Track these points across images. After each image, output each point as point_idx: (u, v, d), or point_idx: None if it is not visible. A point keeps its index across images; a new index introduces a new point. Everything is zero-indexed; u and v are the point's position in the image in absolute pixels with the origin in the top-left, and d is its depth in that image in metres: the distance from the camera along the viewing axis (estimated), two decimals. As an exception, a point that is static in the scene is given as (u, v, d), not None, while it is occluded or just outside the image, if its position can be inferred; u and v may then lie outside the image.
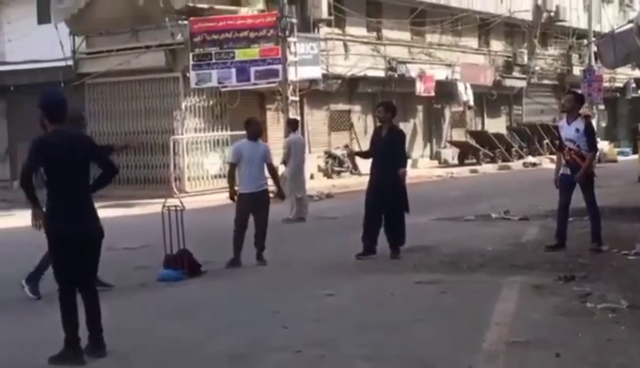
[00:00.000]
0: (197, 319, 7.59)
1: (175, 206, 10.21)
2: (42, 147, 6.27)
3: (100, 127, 24.21)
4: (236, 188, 10.62)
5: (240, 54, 22.14)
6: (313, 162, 25.45)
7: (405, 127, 30.85)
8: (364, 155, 11.83)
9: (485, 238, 12.09)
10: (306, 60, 23.96)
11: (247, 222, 10.72)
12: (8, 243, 14.23)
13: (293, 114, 22.30)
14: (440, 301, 8.01)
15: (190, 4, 22.18)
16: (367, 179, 11.22)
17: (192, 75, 22.23)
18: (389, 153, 10.70)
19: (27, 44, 24.86)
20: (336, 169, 26.97)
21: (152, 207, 15.94)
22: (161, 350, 6.62)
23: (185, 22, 22.33)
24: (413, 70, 29.26)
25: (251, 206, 10.58)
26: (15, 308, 8.52)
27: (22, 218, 18.94)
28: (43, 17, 25.00)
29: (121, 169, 23.09)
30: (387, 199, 10.65)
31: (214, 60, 22.16)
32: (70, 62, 24.21)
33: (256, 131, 10.97)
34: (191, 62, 22.16)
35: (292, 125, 16.66)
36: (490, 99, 35.21)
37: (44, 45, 24.06)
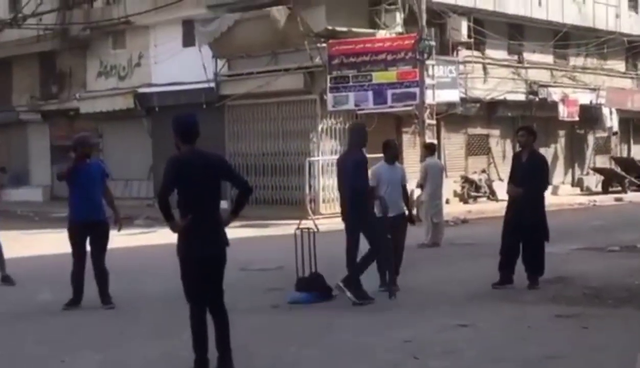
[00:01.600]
0: (325, 344, 7.46)
1: (308, 228, 10.16)
2: (178, 165, 6.35)
3: (239, 147, 24.68)
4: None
5: (378, 77, 22.05)
6: (449, 186, 24.97)
7: (547, 152, 29.89)
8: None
9: (631, 271, 11.45)
10: (444, 83, 23.64)
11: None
12: (149, 258, 14.64)
13: (430, 138, 22.01)
14: (583, 336, 7.56)
15: (329, 27, 22.31)
16: (504, 204, 10.83)
17: (329, 97, 22.33)
18: (528, 178, 10.31)
19: (172, 66, 25.72)
20: (473, 194, 26.41)
21: (287, 228, 15.99)
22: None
23: (324, 45, 22.47)
24: (555, 94, 28.36)
25: (390, 230, 10.37)
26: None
27: (162, 235, 19.68)
28: (188, 40, 25.79)
29: (257, 190, 24.11)
30: (526, 226, 10.24)
31: (351, 83, 22.18)
32: (212, 84, 24.81)
33: (394, 154, 10.81)
34: (328, 85, 22.27)
35: (430, 149, 16.37)
36: (638, 125, 33.68)
37: (188, 68, 24.83)
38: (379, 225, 9.75)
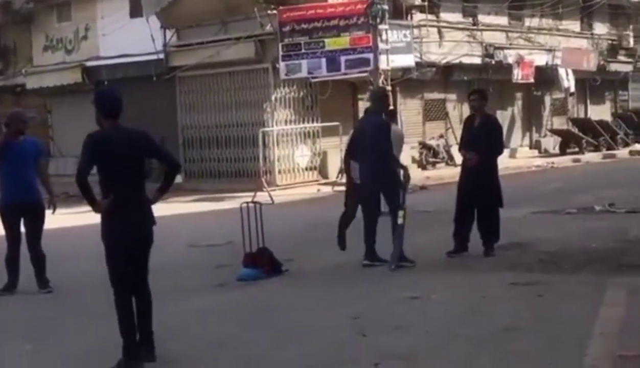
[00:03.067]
0: (269, 324, 7.10)
1: (255, 202, 9.77)
2: (100, 141, 6.04)
3: (192, 120, 24.11)
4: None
5: (330, 43, 21.55)
6: (407, 153, 24.58)
7: (503, 115, 29.72)
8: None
9: (588, 233, 11.22)
10: (399, 48, 23.20)
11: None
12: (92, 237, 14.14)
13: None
14: (538, 306, 7.28)
15: (279, -7, 21.79)
16: (463, 170, 10.52)
17: (281, 66, 21.80)
18: (481, 143, 10.00)
19: (120, 38, 24.95)
20: (431, 160, 26.11)
21: (242, 201, 15.60)
22: (223, 358, 6.14)
23: (274, 11, 21.92)
24: (511, 56, 28.06)
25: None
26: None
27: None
28: (135, 10, 25.03)
29: (212, 163, 23.58)
30: (480, 192, 9.95)
31: (303, 50, 21.66)
32: (161, 56, 24.14)
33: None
34: (280, 53, 21.73)
35: (391, 115, 15.85)
36: (594, 85, 33.57)
37: (136, 39, 24.07)
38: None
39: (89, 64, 26.18)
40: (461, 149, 10.40)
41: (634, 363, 5.42)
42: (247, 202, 9.77)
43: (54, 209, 9.32)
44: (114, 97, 6.27)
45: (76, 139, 29.28)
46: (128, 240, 5.95)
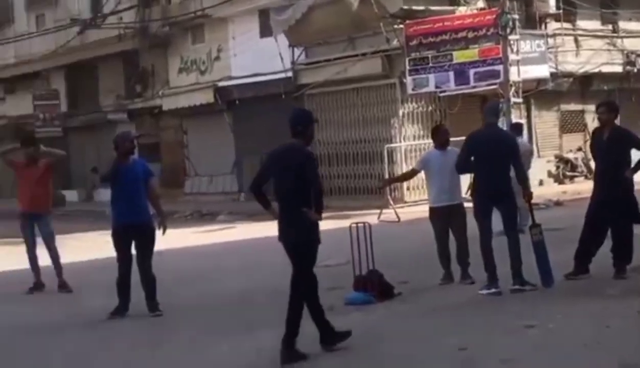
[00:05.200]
0: (369, 352, 6.73)
1: (364, 222, 9.41)
2: (272, 157, 7.04)
3: (319, 136, 23.96)
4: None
5: (459, 56, 20.99)
6: (542, 167, 23.72)
7: (647, 126, 28.16)
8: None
9: None
10: (532, 58, 22.35)
11: (445, 237, 9.75)
12: (221, 256, 14.19)
13: (517, 117, 20.83)
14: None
15: (405, 7, 21.41)
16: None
17: (408, 80, 21.42)
18: (612, 158, 9.29)
19: (250, 57, 25.33)
20: (568, 173, 24.98)
21: (368, 218, 15.32)
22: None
23: (401, 26, 21.59)
24: (655, 64, 26.54)
25: (445, 220, 9.61)
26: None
27: (241, 231, 19.34)
28: (265, 30, 25.30)
29: (338, 180, 23.43)
30: (612, 209, 9.22)
31: (430, 64, 21.19)
32: (290, 74, 24.27)
33: (444, 139, 9.96)
34: (407, 67, 21.37)
35: (517, 129, 15.20)
36: None
37: (266, 59, 24.36)
38: None
39: (221, 84, 26.65)
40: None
41: None
42: (357, 223, 9.43)
43: (164, 230, 9.29)
44: (297, 117, 7.11)
45: (209, 158, 30.25)
46: (283, 245, 6.85)
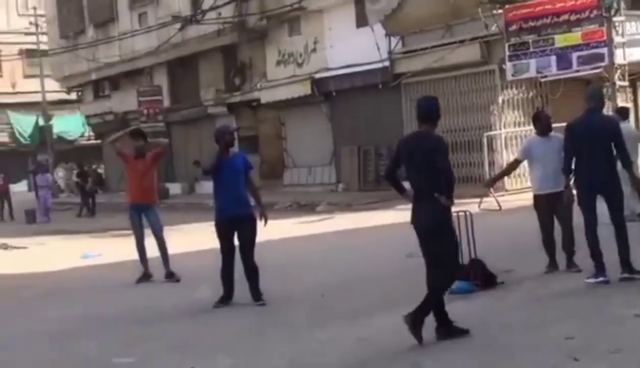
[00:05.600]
0: (467, 342, 6.65)
1: (465, 211, 9.31)
2: (401, 145, 7.20)
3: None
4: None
5: (560, 40, 20.43)
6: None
7: None
8: None
9: None
10: (638, 40, 21.58)
11: (550, 225, 9.55)
12: (319, 247, 14.29)
13: (623, 101, 20.18)
14: None
15: (504, -8, 21.01)
16: None
17: (508, 66, 21.01)
18: None
19: (346, 48, 25.34)
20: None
21: (469, 206, 15.21)
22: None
23: (500, 11, 21.19)
24: None
25: (550, 207, 9.40)
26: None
27: (339, 222, 19.41)
28: (361, 20, 25.26)
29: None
30: None
31: (531, 49, 20.71)
32: (386, 63, 24.17)
33: (546, 126, 9.73)
34: (507, 53, 20.95)
35: (622, 114, 14.75)
36: None
37: (362, 49, 24.33)
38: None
39: (318, 75, 26.77)
40: None
41: None
42: (458, 211, 9.31)
43: (266, 221, 9.41)
44: (430, 104, 7.20)
45: (307, 149, 30.49)
46: (416, 229, 7.00)
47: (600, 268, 8.58)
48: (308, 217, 20.88)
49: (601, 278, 8.52)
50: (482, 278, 8.92)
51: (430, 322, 6.84)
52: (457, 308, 8.10)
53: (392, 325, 7.59)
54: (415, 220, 6.97)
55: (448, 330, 6.80)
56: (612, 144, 8.69)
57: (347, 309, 8.58)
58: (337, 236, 16.54)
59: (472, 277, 8.90)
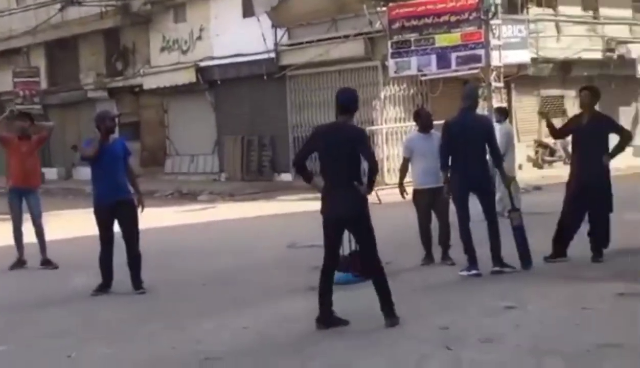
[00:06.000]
0: (350, 331, 6.82)
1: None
2: (316, 134, 7.24)
3: (301, 118, 24.12)
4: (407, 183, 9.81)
5: (441, 40, 21.04)
6: (522, 151, 23.86)
7: (626, 112, 28.38)
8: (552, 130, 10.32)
9: None
10: (513, 43, 22.41)
11: (429, 218, 9.93)
12: (200, 236, 14.25)
13: (498, 101, 20.98)
14: (643, 320, 6.73)
15: (389, -10, 21.44)
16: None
17: (390, 63, 21.48)
18: (591, 142, 9.43)
19: (233, 38, 25.25)
20: (547, 158, 25.22)
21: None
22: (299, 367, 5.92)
23: (384, 8, 21.62)
24: (635, 51, 26.72)
25: (429, 202, 9.73)
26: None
27: (221, 211, 19.39)
28: (247, 10, 25.21)
29: (317, 161, 23.40)
30: (590, 194, 9.37)
31: (413, 47, 21.23)
32: (272, 55, 24.24)
33: (427, 123, 10.06)
34: (390, 50, 21.40)
35: (502, 114, 15.25)
36: None
37: (248, 39, 24.29)
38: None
39: (203, 64, 26.57)
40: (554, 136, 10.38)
41: None
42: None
43: (142, 208, 9.33)
44: (349, 96, 7.20)
45: (190, 137, 30.17)
46: (330, 218, 6.96)
47: (473, 262, 8.96)
48: (190, 206, 20.73)
49: (474, 272, 8.90)
50: (362, 269, 9.11)
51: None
52: (336, 299, 8.27)
53: (274, 314, 7.73)
54: (329, 210, 6.95)
55: (329, 319, 6.94)
56: (485, 143, 9.06)
57: (230, 298, 8.63)
58: (219, 225, 16.52)
59: (352, 269, 9.10)
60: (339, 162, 6.87)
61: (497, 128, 14.11)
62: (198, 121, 27.41)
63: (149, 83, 28.27)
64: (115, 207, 9.03)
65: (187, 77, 26.84)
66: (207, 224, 16.71)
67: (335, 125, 7.12)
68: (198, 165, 27.81)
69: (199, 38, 27.24)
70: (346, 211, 6.88)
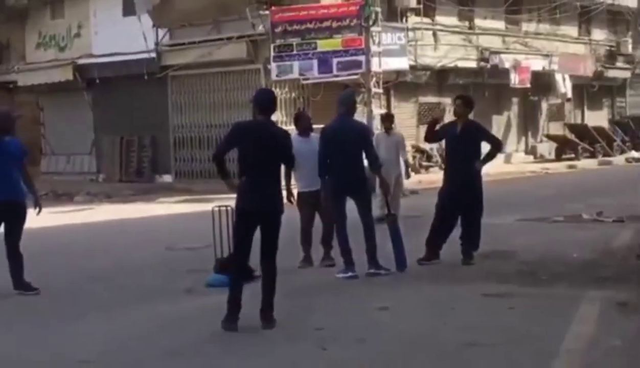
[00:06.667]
0: (226, 334, 6.85)
1: (226, 206, 9.52)
2: (240, 130, 7.26)
3: (183, 119, 23.96)
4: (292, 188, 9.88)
5: (322, 45, 21.36)
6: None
7: (499, 120, 29.59)
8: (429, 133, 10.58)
9: (572, 242, 11.02)
10: (392, 50, 23.02)
11: (312, 221, 10.05)
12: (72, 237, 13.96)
13: (377, 107, 21.49)
14: (507, 319, 7.07)
15: (271, -7, 21.59)
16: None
17: (273, 66, 21.62)
18: (464, 150, 9.80)
19: (112, 36, 24.83)
20: (424, 163, 25.93)
21: (231, 202, 15.47)
22: None
23: (267, 12, 21.75)
24: (507, 61, 27.90)
25: (312, 205, 9.87)
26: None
27: (98, 212, 19.02)
28: (128, 9, 24.82)
29: (202, 163, 23.39)
30: (462, 199, 9.75)
31: (295, 51, 21.47)
32: (153, 55, 23.96)
33: (307, 126, 10.23)
34: (272, 54, 21.55)
35: (389, 120, 15.27)
36: (591, 91, 33.42)
37: (128, 38, 23.91)
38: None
39: (81, 61, 26.03)
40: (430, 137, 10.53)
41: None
42: (219, 206, 9.54)
43: (40, 209, 9.12)
44: (270, 97, 7.45)
45: (67, 137, 29.40)
46: (249, 210, 6.99)
47: (349, 264, 9.16)
48: (66, 206, 20.23)
49: (350, 274, 9.10)
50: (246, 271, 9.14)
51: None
52: (215, 301, 8.32)
53: (148, 316, 7.68)
54: (249, 202, 6.97)
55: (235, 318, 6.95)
56: (361, 149, 9.26)
57: (102, 300, 8.52)
58: (97, 227, 16.22)
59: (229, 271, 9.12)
60: (265, 158, 6.98)
61: (384, 137, 14.26)
62: (75, 120, 26.79)
63: (24, 80, 27.47)
64: (7, 208, 8.82)
65: (64, 74, 26.23)
66: (83, 225, 16.40)
67: (260, 124, 7.13)
68: (75, 165, 27.21)
69: (77, 35, 26.69)
70: (267, 205, 6.98)
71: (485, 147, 10.09)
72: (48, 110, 28.12)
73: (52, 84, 26.50)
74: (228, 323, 6.89)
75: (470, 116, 10.34)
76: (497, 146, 10.17)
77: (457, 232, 9.93)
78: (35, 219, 9.19)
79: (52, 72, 26.54)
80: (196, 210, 18.24)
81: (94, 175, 26.38)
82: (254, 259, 8.79)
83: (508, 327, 6.80)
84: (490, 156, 10.08)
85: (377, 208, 11.34)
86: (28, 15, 27.85)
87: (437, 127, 10.47)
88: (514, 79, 28.00)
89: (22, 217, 8.97)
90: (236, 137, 7.12)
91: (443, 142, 10.91)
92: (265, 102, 7.19)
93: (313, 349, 6.25)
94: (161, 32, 24.10)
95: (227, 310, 6.93)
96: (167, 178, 24.21)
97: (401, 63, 23.57)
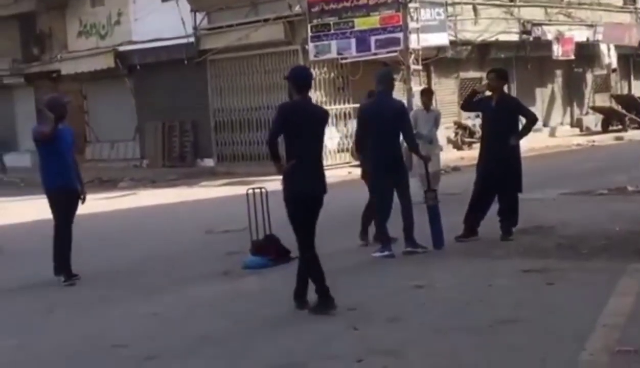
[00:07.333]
0: (259, 316, 6.85)
1: (260, 188, 9.52)
2: (288, 112, 6.94)
3: (222, 103, 23.99)
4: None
5: (360, 23, 21.16)
6: (441, 133, 24.11)
7: (543, 92, 29.11)
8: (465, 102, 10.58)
9: (615, 216, 10.78)
10: (432, 26, 22.70)
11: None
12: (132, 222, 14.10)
13: (417, 84, 21.25)
14: (546, 295, 6.94)
15: (308, -27, 21.42)
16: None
17: (310, 47, 21.50)
18: (499, 124, 9.64)
19: (151, 22, 24.86)
20: (467, 140, 25.64)
21: (268, 184, 15.46)
22: (204, 352, 5.94)
23: (303, -8, 21.63)
24: (550, 33, 27.34)
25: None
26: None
27: (142, 197, 19.17)
28: (166, -6, 24.91)
29: (243, 146, 23.39)
30: (497, 174, 9.60)
31: (332, 31, 21.30)
32: (192, 39, 24.01)
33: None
34: (309, 34, 21.43)
35: (427, 95, 15.10)
36: (637, 61, 32.63)
37: (167, 23, 23.97)
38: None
39: (122, 48, 26.15)
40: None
41: (632, 359, 5.06)
42: (254, 188, 9.54)
43: (84, 199, 9.26)
44: (305, 74, 7.21)
45: (111, 124, 29.63)
46: (311, 197, 6.85)
47: (386, 243, 9.10)
48: (110, 193, 20.45)
49: (386, 253, 9.04)
50: (277, 253, 9.17)
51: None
52: (251, 282, 8.36)
53: (186, 299, 7.72)
54: (312, 188, 6.84)
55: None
56: (397, 127, 9.16)
57: (141, 284, 8.58)
58: (139, 212, 16.36)
59: (266, 253, 9.15)
60: (315, 140, 6.93)
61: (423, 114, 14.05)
62: (118, 107, 27.01)
63: (67, 68, 27.70)
64: (69, 194, 8.98)
65: (106, 62, 26.38)
66: (126, 211, 16.54)
67: (304, 103, 6.95)
68: (119, 152, 27.45)
69: (117, 23, 26.80)
70: (319, 188, 6.90)
71: (523, 121, 9.93)
72: (91, 98, 28.37)
73: (94, 71, 26.69)
74: (300, 302, 6.95)
75: (513, 91, 10.15)
76: (532, 120, 9.98)
77: (496, 207, 9.80)
78: (80, 206, 9.29)
79: (94, 60, 26.75)
80: (237, 193, 18.16)
81: (137, 161, 26.60)
82: (291, 241, 8.82)
83: (546, 302, 6.68)
84: (526, 130, 9.91)
85: (414, 194, 11.19)
86: (68, 5, 28.05)
87: (476, 98, 10.34)
88: (557, 51, 27.42)
89: (77, 204, 9.16)
90: (286, 118, 6.87)
91: (482, 118, 10.75)
92: (301, 79, 7.01)
93: (344, 329, 6.21)
94: (199, 16, 24.09)
95: (296, 290, 7.00)
96: (209, 162, 24.29)
97: (441, 39, 23.23)
